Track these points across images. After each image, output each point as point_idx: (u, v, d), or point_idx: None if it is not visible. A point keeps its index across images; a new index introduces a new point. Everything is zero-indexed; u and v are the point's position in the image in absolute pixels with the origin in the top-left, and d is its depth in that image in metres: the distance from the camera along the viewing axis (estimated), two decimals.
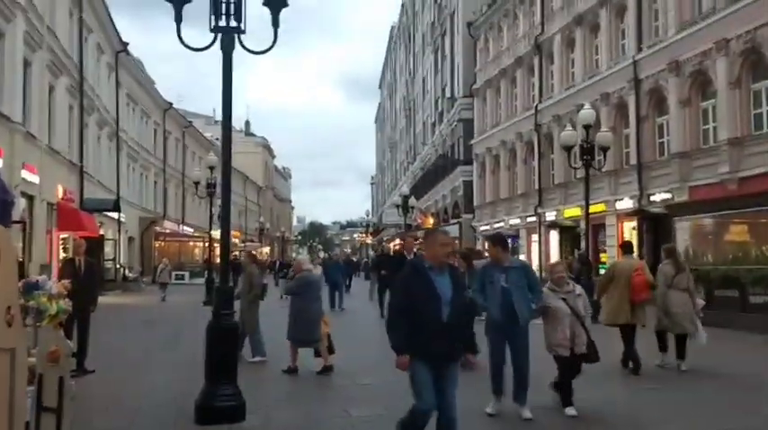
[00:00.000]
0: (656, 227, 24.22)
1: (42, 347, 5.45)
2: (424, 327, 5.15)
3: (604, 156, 18.88)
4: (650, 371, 9.81)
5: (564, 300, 7.48)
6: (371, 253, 61.96)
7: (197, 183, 26.58)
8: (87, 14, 30.05)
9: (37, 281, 6.35)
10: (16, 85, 20.79)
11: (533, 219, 34.47)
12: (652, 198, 24.74)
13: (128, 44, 37.07)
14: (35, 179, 22.30)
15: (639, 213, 25.15)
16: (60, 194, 25.74)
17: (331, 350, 10.18)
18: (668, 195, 23.66)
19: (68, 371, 5.18)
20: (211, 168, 24.84)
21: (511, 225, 37.21)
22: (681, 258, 10.89)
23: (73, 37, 28.11)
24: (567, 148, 18.73)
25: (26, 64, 22.01)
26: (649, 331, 10.41)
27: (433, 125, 54.46)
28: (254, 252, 14.35)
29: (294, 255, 78.56)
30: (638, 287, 9.80)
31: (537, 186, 34.08)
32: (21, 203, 20.96)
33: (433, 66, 54.82)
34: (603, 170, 23.09)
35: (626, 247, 11.05)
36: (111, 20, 34.20)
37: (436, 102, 53.68)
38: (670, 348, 10.28)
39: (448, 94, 48.57)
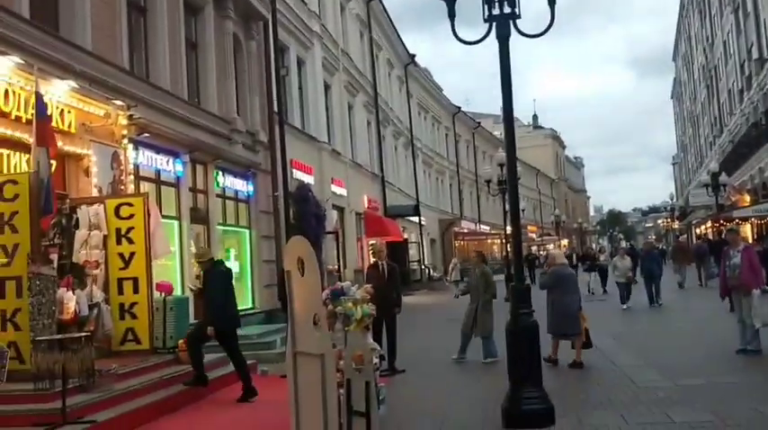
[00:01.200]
0: None
1: (350, 351, 5.65)
2: None
3: None
4: None
5: None
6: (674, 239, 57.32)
7: (488, 182, 26.72)
8: (376, 33, 32.03)
9: (342, 287, 6.63)
10: (319, 107, 22.76)
11: None
12: None
13: (414, 56, 38.82)
14: (343, 192, 24.21)
15: None
16: (366, 204, 27.68)
17: (588, 344, 10.09)
18: None
19: (374, 376, 5.28)
20: (501, 165, 24.82)
21: None
22: None
23: (365, 56, 30.12)
24: None
25: (326, 87, 24.01)
26: None
27: (741, 92, 48.83)
28: (482, 251, 13.86)
29: (594, 245, 75.87)
30: None
31: None
32: (333, 215, 22.90)
33: (734, 27, 49.21)
34: None
35: None
36: (399, 35, 36.10)
37: (741, 65, 48.08)
38: None
39: (755, 55, 43.16)
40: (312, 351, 5.39)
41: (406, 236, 33.27)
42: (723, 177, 34.25)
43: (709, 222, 44.84)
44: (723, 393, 7.65)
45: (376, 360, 6.76)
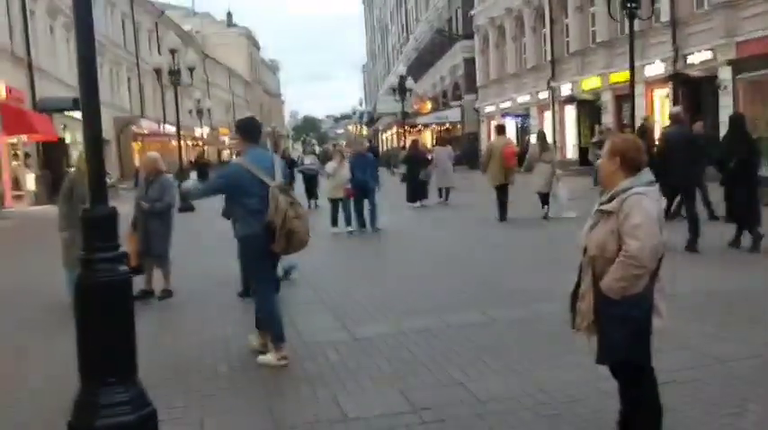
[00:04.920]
0: (695, 92, 21.10)
1: None
2: None
3: (653, 6, 15.25)
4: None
5: None
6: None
7: (158, 71, 22.65)
8: None
9: None
10: None
11: (546, 94, 30.95)
12: (689, 59, 21.32)
13: None
14: None
15: (674, 78, 21.86)
16: (3, 93, 22.21)
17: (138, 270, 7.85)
18: (709, 54, 20.29)
19: None
20: (173, 52, 21.09)
21: (520, 103, 33.73)
22: (547, 140, 15.00)
23: None
24: None
25: None
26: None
27: None
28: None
29: (291, 149, 74.58)
30: (507, 156, 13.84)
31: (549, 57, 30.38)
32: None
33: None
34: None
35: (499, 130, 15.87)
36: None
37: None
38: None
39: None
40: None
41: (66, 135, 28.17)
42: (409, 82, 34.29)
43: (395, 128, 45.70)
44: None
45: None
